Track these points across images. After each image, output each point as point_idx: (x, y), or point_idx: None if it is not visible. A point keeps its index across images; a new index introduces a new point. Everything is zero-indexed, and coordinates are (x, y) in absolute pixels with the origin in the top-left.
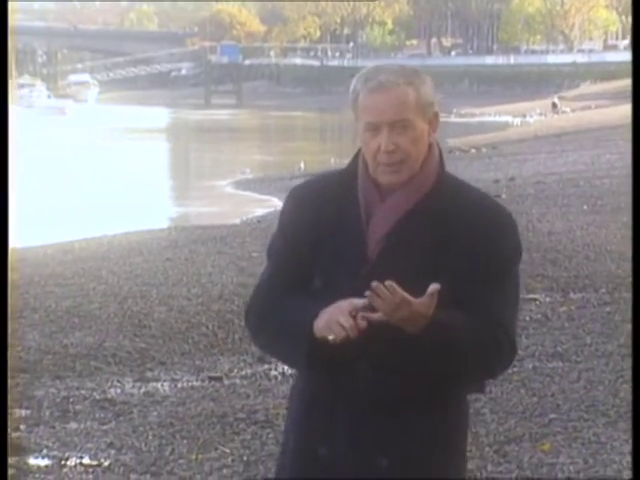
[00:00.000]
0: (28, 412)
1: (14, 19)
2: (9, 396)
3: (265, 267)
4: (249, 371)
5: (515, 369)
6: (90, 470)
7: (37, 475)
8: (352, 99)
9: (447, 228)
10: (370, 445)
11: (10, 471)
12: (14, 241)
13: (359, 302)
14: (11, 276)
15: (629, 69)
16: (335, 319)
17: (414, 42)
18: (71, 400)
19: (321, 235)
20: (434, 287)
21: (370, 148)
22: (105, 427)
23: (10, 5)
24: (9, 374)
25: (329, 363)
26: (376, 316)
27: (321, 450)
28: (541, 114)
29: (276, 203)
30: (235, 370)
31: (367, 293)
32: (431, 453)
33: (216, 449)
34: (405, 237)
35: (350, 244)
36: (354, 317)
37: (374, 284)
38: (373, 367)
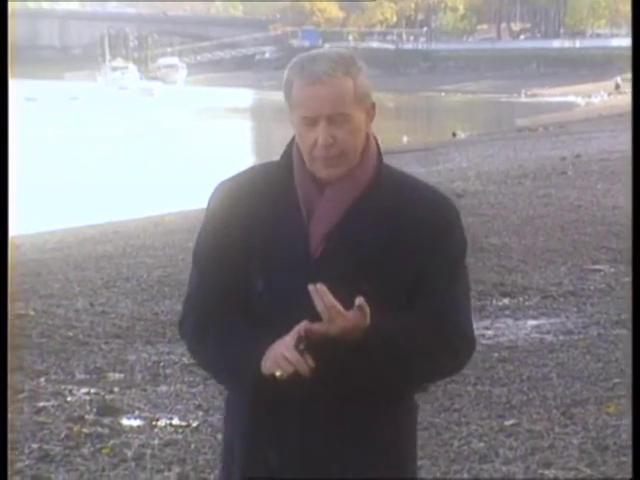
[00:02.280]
0: (121, 375)
1: (109, 6)
2: (103, 361)
3: (193, 271)
4: None
5: (581, 336)
6: (179, 430)
7: (129, 435)
8: (286, 89)
9: (391, 224)
10: (320, 450)
11: (104, 431)
12: (111, 215)
13: (301, 329)
14: (105, 248)
15: None
16: (281, 354)
17: (485, 27)
18: (162, 364)
19: (257, 232)
20: (359, 300)
21: (307, 142)
22: (194, 390)
23: None
24: (103, 340)
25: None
26: (317, 327)
27: (271, 456)
28: (605, 95)
29: None
30: None
31: (310, 287)
32: (381, 454)
33: None
34: (348, 235)
35: (291, 242)
36: (302, 351)
37: (310, 287)
38: (318, 375)
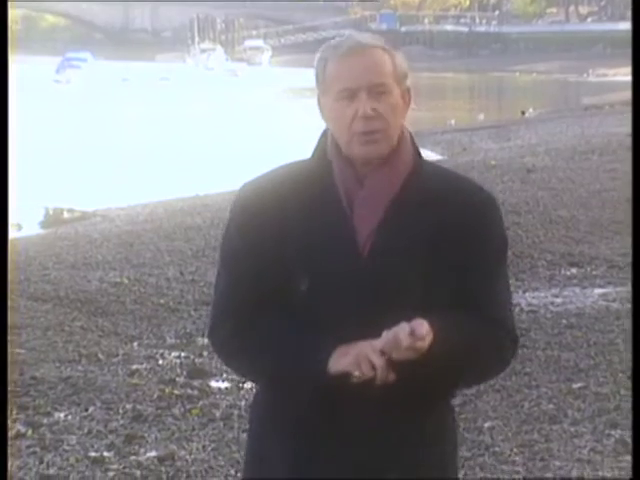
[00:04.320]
0: None
1: None
2: (192, 326)
3: (219, 275)
4: None
5: None
6: None
7: (218, 396)
8: (318, 70)
9: (436, 215)
10: (366, 453)
11: (194, 392)
12: (197, 189)
13: (390, 340)
14: (196, 221)
15: None
16: (365, 356)
17: (553, 10)
18: None
19: (294, 231)
20: (413, 326)
21: (345, 117)
22: None
23: None
24: (192, 307)
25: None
26: (395, 355)
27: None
28: None
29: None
30: None
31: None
32: (426, 455)
33: None
34: (396, 229)
35: (334, 238)
36: (387, 360)
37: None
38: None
